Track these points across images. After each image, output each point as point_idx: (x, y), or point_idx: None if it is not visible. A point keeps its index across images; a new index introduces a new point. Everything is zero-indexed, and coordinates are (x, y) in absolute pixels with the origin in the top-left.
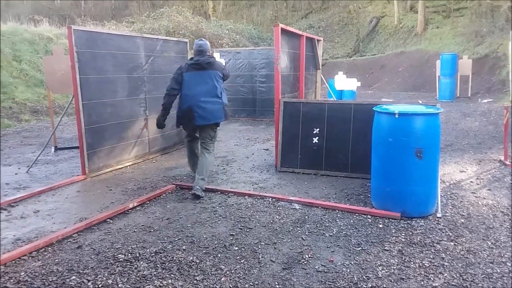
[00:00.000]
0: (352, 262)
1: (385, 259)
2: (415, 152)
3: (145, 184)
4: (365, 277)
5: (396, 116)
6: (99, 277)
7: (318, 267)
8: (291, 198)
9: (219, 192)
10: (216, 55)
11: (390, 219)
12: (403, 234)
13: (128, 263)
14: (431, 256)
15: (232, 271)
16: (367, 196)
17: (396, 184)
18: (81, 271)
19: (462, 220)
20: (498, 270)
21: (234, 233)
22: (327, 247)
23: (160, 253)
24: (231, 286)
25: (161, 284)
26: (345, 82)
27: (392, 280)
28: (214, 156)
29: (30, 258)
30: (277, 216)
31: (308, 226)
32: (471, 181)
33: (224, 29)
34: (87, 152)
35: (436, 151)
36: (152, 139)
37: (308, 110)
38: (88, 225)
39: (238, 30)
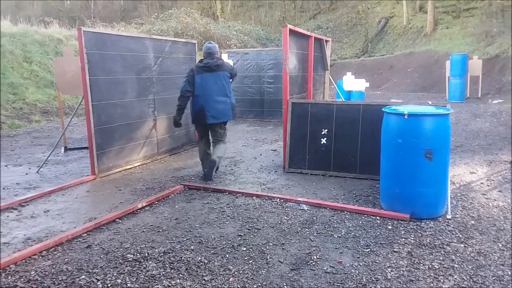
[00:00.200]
0: (361, 264)
1: (394, 261)
2: (424, 153)
3: (154, 184)
4: (374, 279)
5: (406, 117)
6: (108, 277)
7: (327, 268)
8: (299, 199)
9: (227, 193)
10: (224, 56)
11: (399, 221)
12: (413, 236)
13: (137, 263)
14: (441, 258)
15: (240, 272)
16: (375, 197)
17: (406, 186)
18: (90, 271)
19: (472, 222)
20: (509, 273)
21: (242, 234)
22: (336, 248)
23: (169, 253)
24: (239, 287)
25: (170, 284)
26: (353, 83)
27: (401, 282)
28: (226, 144)
29: (40, 257)
30: (285, 217)
31: (316, 227)
32: (482, 183)
33: (232, 30)
34: (97, 153)
35: (446, 152)
36: (161, 139)
37: (317, 111)
38: (97, 224)
39: (246, 31)
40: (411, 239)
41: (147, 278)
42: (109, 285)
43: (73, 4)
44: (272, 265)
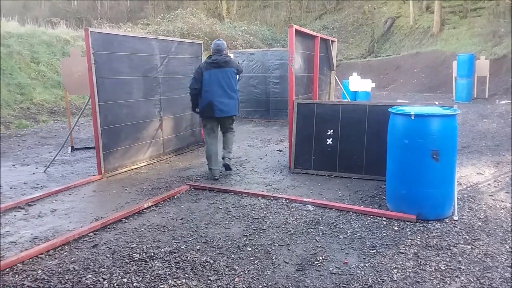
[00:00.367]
0: (367, 265)
1: (401, 262)
2: (431, 154)
3: (160, 184)
4: (380, 280)
5: (412, 117)
6: (115, 276)
7: (332, 269)
8: (305, 199)
9: (232, 193)
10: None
11: (406, 222)
12: (419, 237)
13: (143, 262)
14: (448, 259)
15: (246, 272)
16: (382, 198)
17: (412, 186)
18: (96, 270)
19: (479, 223)
20: None
21: (247, 234)
22: (341, 249)
23: (174, 252)
24: (245, 287)
25: (175, 284)
26: (359, 83)
27: (408, 283)
28: (234, 132)
29: (47, 256)
30: (291, 218)
31: (322, 227)
32: (489, 184)
33: (238, 30)
34: (103, 153)
35: (453, 153)
36: (167, 140)
37: (322, 111)
38: (103, 224)
39: (252, 31)
40: (418, 240)
41: (153, 278)
42: (115, 284)
43: (80, 5)
44: (277, 266)
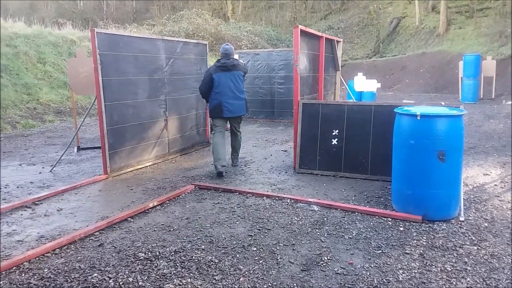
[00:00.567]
0: (372, 265)
1: (406, 263)
2: (437, 155)
3: (165, 184)
4: (385, 280)
5: (418, 117)
6: (120, 275)
7: (337, 270)
8: (310, 199)
9: (237, 193)
10: (235, 57)
11: (411, 222)
12: (425, 238)
13: (148, 262)
14: (454, 260)
15: (251, 272)
16: (387, 198)
17: (418, 187)
18: (102, 269)
19: (486, 224)
20: None
21: (252, 234)
22: (347, 249)
23: (180, 252)
24: (250, 287)
25: (181, 283)
26: (364, 84)
27: (413, 284)
28: (240, 133)
29: (53, 255)
30: (296, 218)
31: (327, 228)
32: (495, 185)
33: (243, 31)
34: (109, 152)
35: (459, 154)
36: (172, 140)
37: (327, 111)
38: (109, 223)
39: (257, 31)
40: (423, 241)
41: (158, 277)
42: (121, 283)
43: (86, 5)
44: (282, 266)
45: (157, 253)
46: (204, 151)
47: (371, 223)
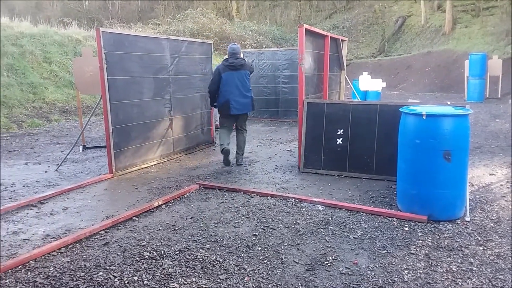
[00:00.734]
0: (377, 265)
1: (411, 263)
2: (443, 155)
3: (170, 183)
4: (390, 281)
5: (424, 117)
6: (125, 274)
7: (342, 269)
8: (315, 199)
9: (242, 192)
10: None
11: (417, 222)
12: (430, 238)
13: (153, 261)
14: (459, 261)
15: (255, 271)
16: (392, 198)
17: (423, 187)
18: (107, 268)
19: (492, 224)
20: None
21: (257, 233)
22: (351, 249)
23: (184, 251)
24: (254, 286)
25: (185, 282)
26: (369, 83)
27: (419, 284)
28: (246, 131)
29: (59, 253)
30: (300, 217)
31: (331, 227)
32: (501, 185)
33: (248, 30)
34: (114, 151)
35: (465, 154)
36: (177, 139)
37: (332, 111)
38: (114, 222)
39: (262, 31)
40: (429, 241)
41: (163, 276)
42: (126, 282)
43: (91, 5)
44: (287, 265)
45: (162, 252)
46: (209, 150)
47: (376, 223)
